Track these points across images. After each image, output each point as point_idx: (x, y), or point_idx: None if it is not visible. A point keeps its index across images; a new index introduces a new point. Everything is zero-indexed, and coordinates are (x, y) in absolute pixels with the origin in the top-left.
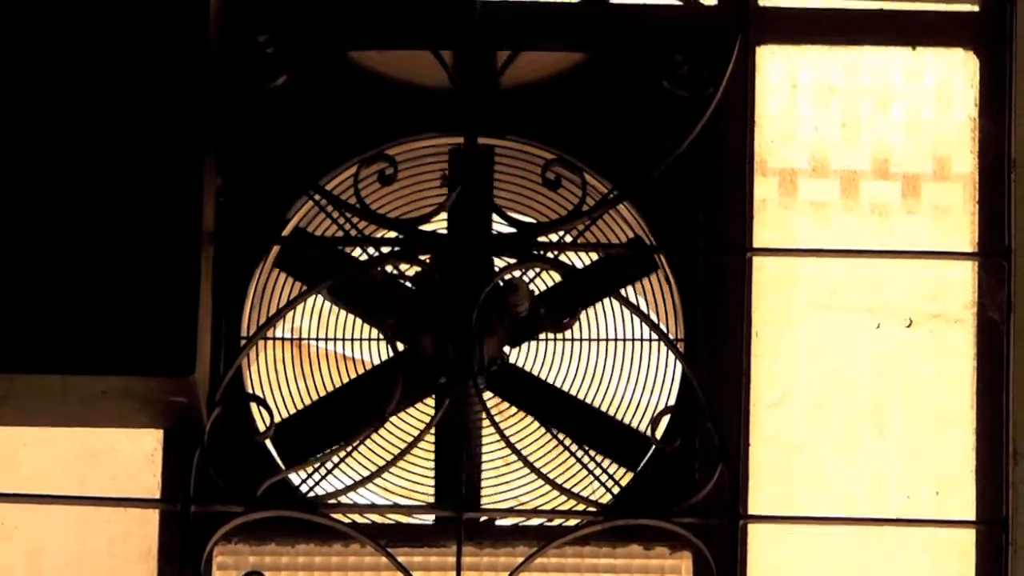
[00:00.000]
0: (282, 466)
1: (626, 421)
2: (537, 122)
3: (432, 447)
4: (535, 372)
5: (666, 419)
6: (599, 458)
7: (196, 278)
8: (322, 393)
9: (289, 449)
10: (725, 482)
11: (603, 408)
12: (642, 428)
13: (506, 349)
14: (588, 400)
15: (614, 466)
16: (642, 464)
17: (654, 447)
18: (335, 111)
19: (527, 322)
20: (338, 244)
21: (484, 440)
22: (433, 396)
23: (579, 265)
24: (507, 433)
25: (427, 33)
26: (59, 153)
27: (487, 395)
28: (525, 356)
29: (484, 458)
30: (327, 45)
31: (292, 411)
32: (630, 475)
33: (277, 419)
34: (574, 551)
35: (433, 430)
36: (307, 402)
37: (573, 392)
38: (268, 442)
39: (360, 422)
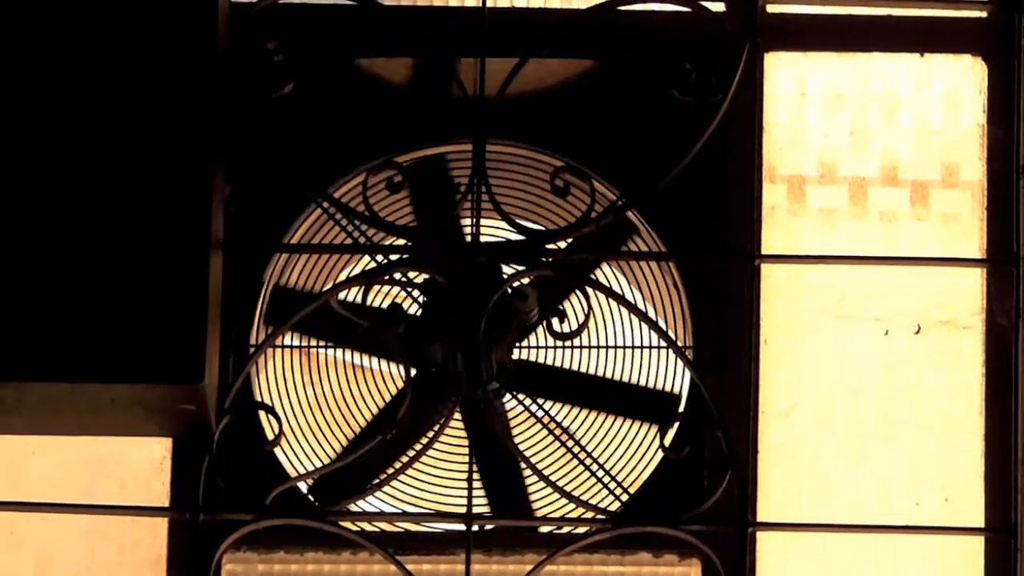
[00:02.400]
0: (291, 474)
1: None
2: (546, 129)
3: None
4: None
5: (675, 426)
6: (608, 465)
7: (205, 286)
8: (331, 401)
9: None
10: (734, 490)
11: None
12: (648, 439)
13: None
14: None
15: (623, 472)
16: (676, 422)
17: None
18: (343, 119)
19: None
20: (345, 252)
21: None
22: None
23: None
24: (515, 441)
25: (436, 41)
26: (68, 162)
27: (507, 397)
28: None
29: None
30: (335, 53)
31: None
32: (639, 483)
33: (286, 427)
34: (583, 559)
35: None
36: (315, 410)
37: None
38: (277, 450)
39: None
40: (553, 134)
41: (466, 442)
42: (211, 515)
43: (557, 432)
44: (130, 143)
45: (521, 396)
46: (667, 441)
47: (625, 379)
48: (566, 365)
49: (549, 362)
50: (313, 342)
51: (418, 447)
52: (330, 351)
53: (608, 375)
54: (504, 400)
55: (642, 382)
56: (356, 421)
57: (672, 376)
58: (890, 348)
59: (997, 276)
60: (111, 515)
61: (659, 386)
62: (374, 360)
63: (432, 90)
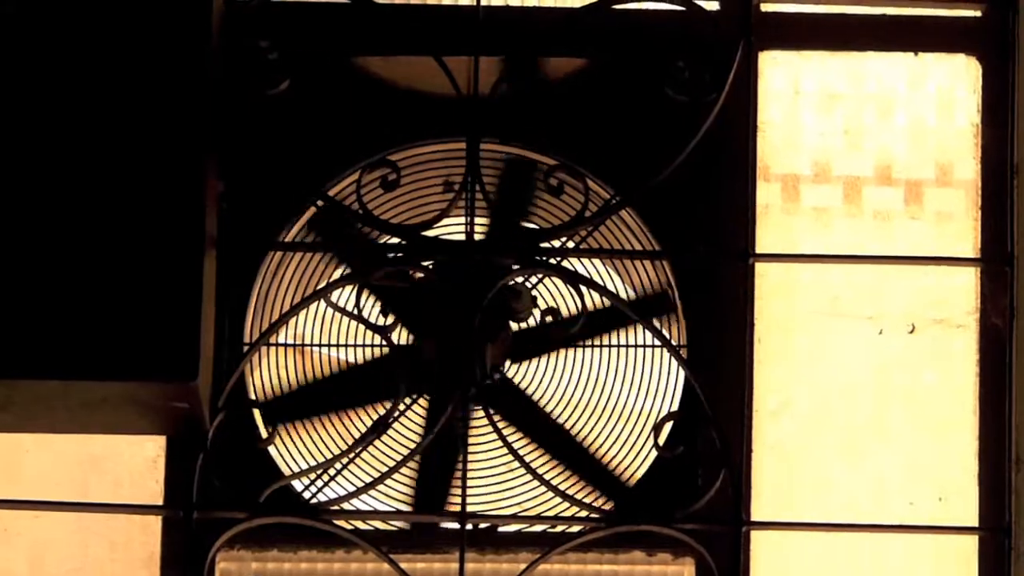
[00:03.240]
0: (285, 472)
1: (610, 453)
2: (540, 128)
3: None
4: (538, 377)
5: (669, 425)
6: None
7: (199, 284)
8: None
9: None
10: (727, 488)
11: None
12: (644, 434)
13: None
14: (590, 406)
15: (617, 471)
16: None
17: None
18: (338, 117)
19: (531, 333)
20: (339, 250)
21: (488, 446)
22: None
23: (581, 271)
24: (510, 439)
25: (430, 39)
26: (62, 159)
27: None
28: (528, 362)
29: (488, 464)
30: (329, 51)
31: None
32: (633, 481)
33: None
34: (577, 557)
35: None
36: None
37: (574, 399)
38: (271, 448)
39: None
40: (547, 133)
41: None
42: (205, 513)
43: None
44: (124, 140)
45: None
46: (661, 440)
47: (589, 447)
48: (560, 363)
49: (544, 359)
50: (307, 340)
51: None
52: (324, 349)
53: (601, 380)
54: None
55: (636, 385)
56: (350, 419)
57: (666, 378)
58: (884, 347)
59: (991, 275)
60: (105, 513)
61: (637, 431)
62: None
63: (426, 88)
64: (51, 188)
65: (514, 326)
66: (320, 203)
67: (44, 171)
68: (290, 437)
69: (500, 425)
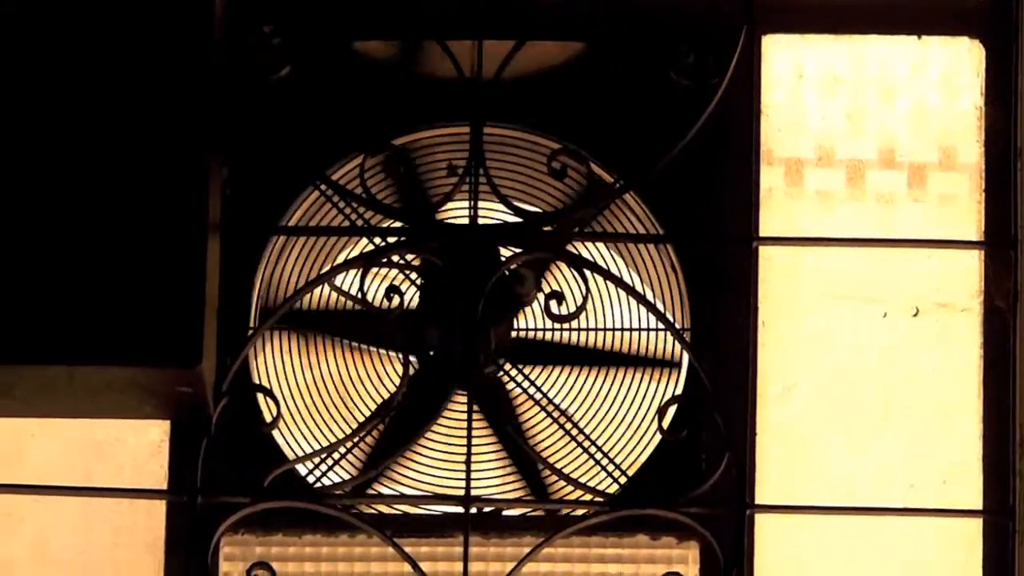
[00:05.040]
0: (289, 456)
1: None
2: (543, 112)
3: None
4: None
5: (672, 409)
6: (606, 448)
7: (202, 269)
8: (329, 384)
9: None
10: (731, 472)
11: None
12: (649, 418)
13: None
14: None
15: (621, 455)
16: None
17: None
18: (341, 101)
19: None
20: (343, 234)
21: (491, 431)
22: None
23: (585, 255)
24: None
25: (433, 23)
26: (64, 144)
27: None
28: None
29: (491, 449)
30: (332, 35)
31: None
32: (637, 465)
33: (284, 411)
34: (581, 541)
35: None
36: (313, 392)
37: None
38: (275, 433)
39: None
40: (550, 116)
41: (464, 424)
42: (209, 498)
43: (555, 415)
44: (127, 126)
45: (520, 378)
46: (665, 423)
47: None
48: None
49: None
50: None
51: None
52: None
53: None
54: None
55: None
56: (354, 403)
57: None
58: (888, 331)
59: (995, 258)
60: (109, 498)
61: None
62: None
63: (429, 73)
64: (55, 175)
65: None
66: (323, 187)
67: (48, 157)
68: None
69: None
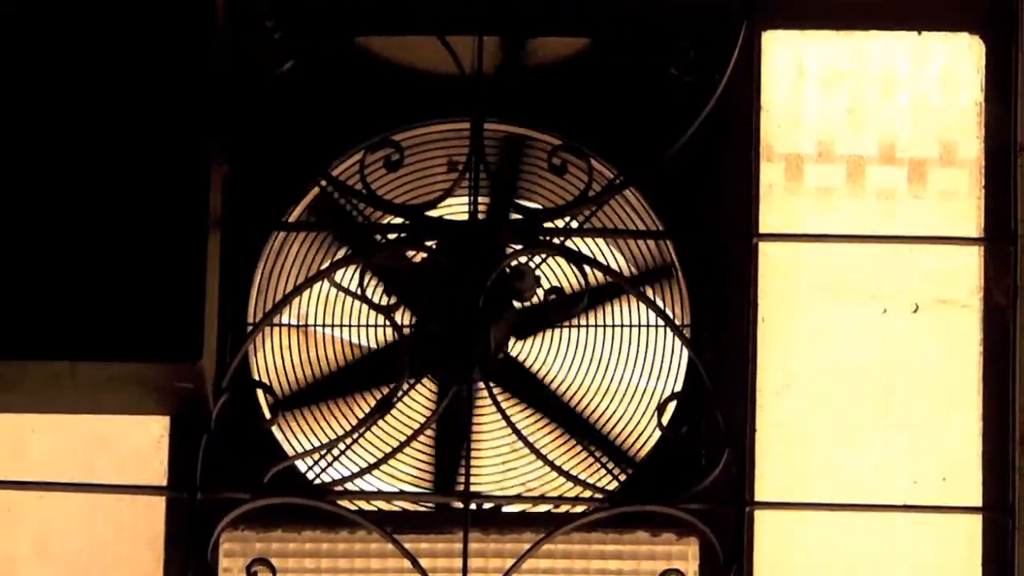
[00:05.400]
0: (289, 453)
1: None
2: (544, 108)
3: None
4: (542, 357)
5: (672, 405)
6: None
7: (203, 264)
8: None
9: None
10: (731, 468)
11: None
12: (648, 414)
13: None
14: (593, 386)
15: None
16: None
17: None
18: (342, 97)
19: (534, 310)
20: (343, 230)
21: (491, 427)
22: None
23: (585, 251)
24: (514, 420)
25: (434, 19)
26: (67, 140)
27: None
28: (532, 341)
29: (491, 445)
30: (334, 31)
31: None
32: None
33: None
34: (581, 537)
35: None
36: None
37: (578, 379)
38: (275, 428)
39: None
40: (551, 112)
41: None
42: (209, 493)
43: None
44: (129, 121)
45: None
46: (665, 420)
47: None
48: (564, 343)
49: (548, 339)
50: (311, 321)
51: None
52: (327, 329)
53: (605, 360)
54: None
55: (639, 365)
56: (353, 399)
57: (670, 358)
58: (888, 327)
59: (995, 254)
60: (109, 493)
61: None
62: (372, 340)
63: (430, 69)
64: (57, 171)
65: (518, 305)
66: (323, 183)
67: (50, 154)
68: (298, 423)
69: (504, 405)
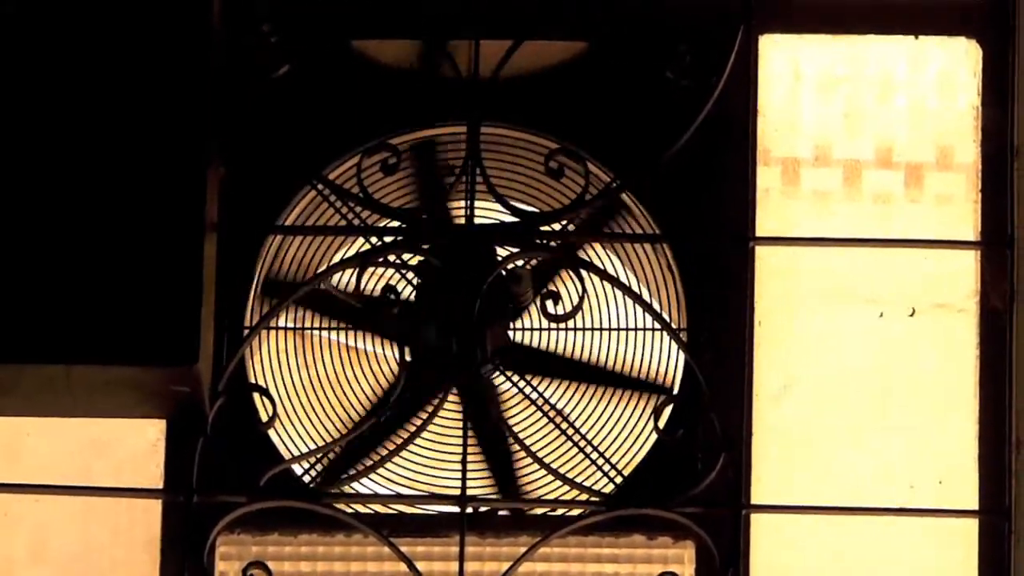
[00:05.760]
0: (285, 456)
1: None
2: (540, 111)
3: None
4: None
5: (669, 409)
6: (602, 447)
7: (199, 267)
8: (325, 383)
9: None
10: (728, 472)
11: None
12: (644, 418)
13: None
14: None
15: (617, 455)
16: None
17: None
18: (338, 100)
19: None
20: (339, 234)
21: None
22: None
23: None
24: (510, 423)
25: (429, 22)
26: (63, 143)
27: (501, 379)
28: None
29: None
30: (330, 34)
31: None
32: (633, 464)
33: (280, 410)
34: (577, 541)
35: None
36: (310, 392)
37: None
38: (271, 432)
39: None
40: (548, 116)
41: (460, 424)
42: (205, 497)
43: (552, 414)
44: (125, 125)
45: (515, 378)
46: (661, 423)
47: (618, 366)
48: (559, 348)
49: (543, 344)
50: (308, 323)
51: (412, 429)
52: (324, 332)
53: (602, 358)
54: (498, 382)
55: (636, 368)
56: (351, 402)
57: (666, 360)
58: (884, 331)
59: (991, 259)
60: (106, 497)
61: (637, 415)
62: (368, 342)
63: (427, 72)
64: (52, 173)
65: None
66: (320, 186)
67: (46, 157)
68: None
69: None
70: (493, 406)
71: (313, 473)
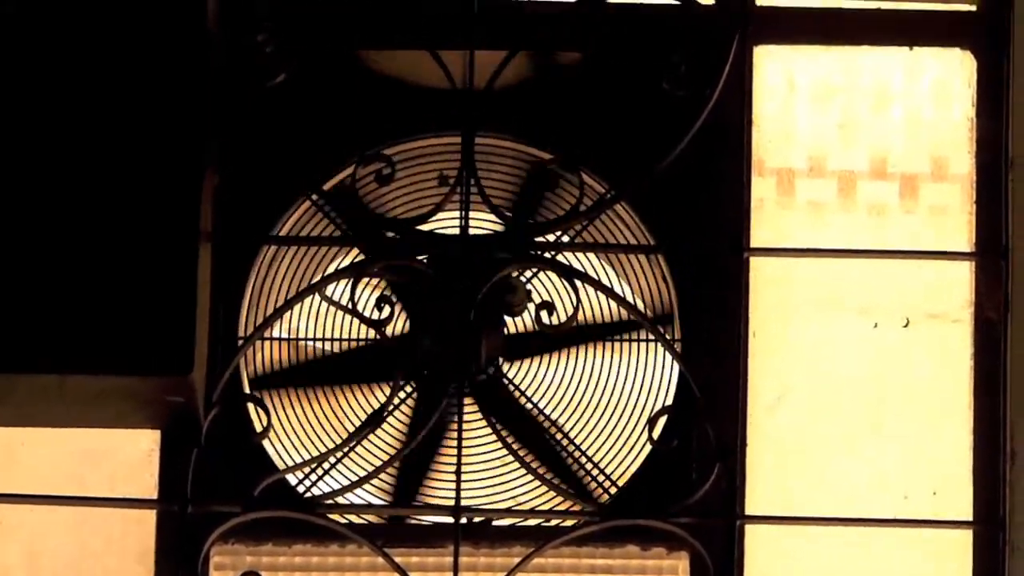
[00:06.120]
0: (279, 466)
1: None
2: (535, 122)
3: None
4: (531, 371)
5: (663, 419)
6: (596, 458)
7: (194, 277)
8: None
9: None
10: (722, 482)
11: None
12: (639, 429)
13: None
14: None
15: (612, 465)
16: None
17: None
18: (333, 110)
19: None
20: (334, 244)
21: (482, 440)
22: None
23: (576, 265)
24: (504, 433)
25: (425, 32)
26: (57, 152)
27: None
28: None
29: (482, 458)
30: (326, 44)
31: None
32: (627, 475)
33: (274, 420)
34: (571, 551)
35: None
36: (304, 402)
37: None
38: (265, 442)
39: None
40: (542, 127)
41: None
42: (199, 507)
43: (546, 425)
44: (120, 133)
45: (510, 389)
46: (655, 434)
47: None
48: (554, 357)
49: (538, 354)
50: (302, 334)
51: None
52: (318, 344)
53: (595, 374)
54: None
55: (630, 379)
56: (344, 413)
57: (660, 372)
58: (879, 341)
59: (986, 269)
60: (100, 507)
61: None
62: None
63: (421, 82)
64: (47, 181)
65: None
66: (314, 196)
67: (40, 165)
68: (283, 427)
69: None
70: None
71: (308, 483)
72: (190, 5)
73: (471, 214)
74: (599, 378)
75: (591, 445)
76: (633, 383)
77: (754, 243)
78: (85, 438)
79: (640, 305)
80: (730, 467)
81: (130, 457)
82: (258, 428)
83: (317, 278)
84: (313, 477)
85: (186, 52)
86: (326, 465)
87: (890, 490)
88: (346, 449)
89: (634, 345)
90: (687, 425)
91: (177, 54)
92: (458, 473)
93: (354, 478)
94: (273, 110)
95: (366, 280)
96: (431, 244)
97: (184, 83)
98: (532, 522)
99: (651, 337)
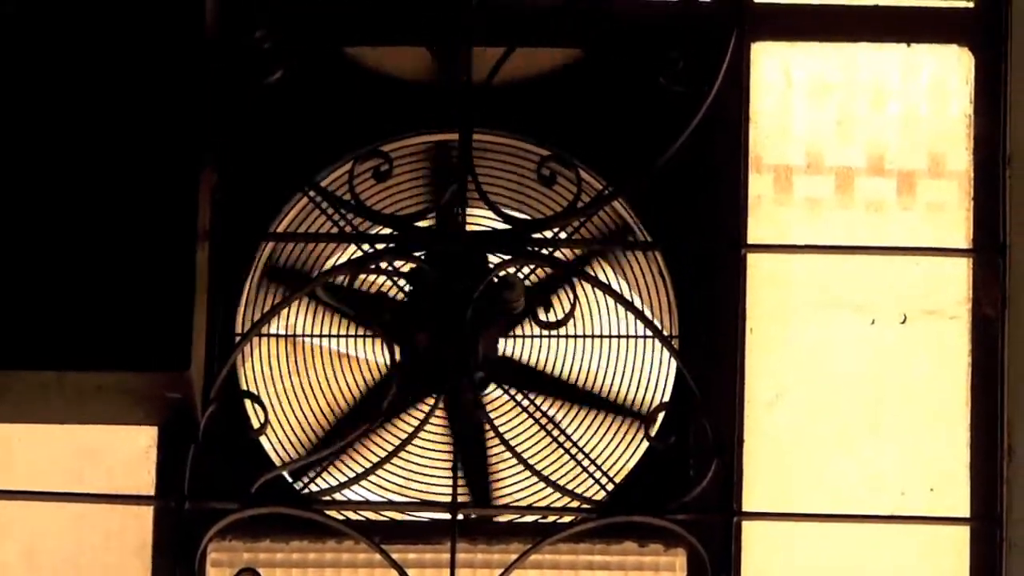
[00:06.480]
0: (276, 463)
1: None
2: (532, 118)
3: (427, 443)
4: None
5: (661, 416)
6: (593, 455)
7: (191, 274)
8: (316, 390)
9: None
10: (719, 479)
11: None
12: (634, 429)
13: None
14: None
15: (609, 461)
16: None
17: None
18: (330, 107)
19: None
20: (332, 240)
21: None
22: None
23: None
24: (501, 430)
25: (422, 29)
26: (55, 150)
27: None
28: (520, 353)
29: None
30: (323, 41)
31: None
32: (625, 471)
33: (272, 417)
34: (568, 548)
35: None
36: (302, 400)
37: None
38: (263, 439)
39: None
40: (540, 123)
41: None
42: (197, 503)
43: (543, 421)
44: (118, 132)
45: (507, 386)
46: (653, 431)
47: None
48: (552, 354)
49: (535, 350)
50: (299, 331)
51: (403, 436)
52: (316, 340)
53: (594, 366)
54: (489, 391)
55: (628, 376)
56: (342, 409)
57: (658, 369)
58: (876, 338)
59: (983, 266)
60: (97, 503)
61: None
62: (359, 349)
63: (418, 79)
64: (45, 180)
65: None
66: (312, 193)
67: (39, 164)
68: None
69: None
70: (481, 412)
71: (305, 479)
72: (188, 4)
73: (468, 211)
74: (596, 374)
75: (588, 441)
76: (631, 379)
77: (751, 239)
78: (83, 434)
79: (637, 302)
80: (727, 463)
81: (128, 453)
82: (255, 424)
83: (315, 275)
84: (311, 473)
85: (184, 50)
86: (323, 462)
87: (887, 486)
88: (343, 445)
89: (632, 341)
90: (684, 422)
91: (175, 52)
92: (454, 470)
93: (351, 475)
94: (270, 106)
95: (363, 276)
96: (429, 241)
97: (182, 81)
98: (530, 518)
99: (649, 333)
